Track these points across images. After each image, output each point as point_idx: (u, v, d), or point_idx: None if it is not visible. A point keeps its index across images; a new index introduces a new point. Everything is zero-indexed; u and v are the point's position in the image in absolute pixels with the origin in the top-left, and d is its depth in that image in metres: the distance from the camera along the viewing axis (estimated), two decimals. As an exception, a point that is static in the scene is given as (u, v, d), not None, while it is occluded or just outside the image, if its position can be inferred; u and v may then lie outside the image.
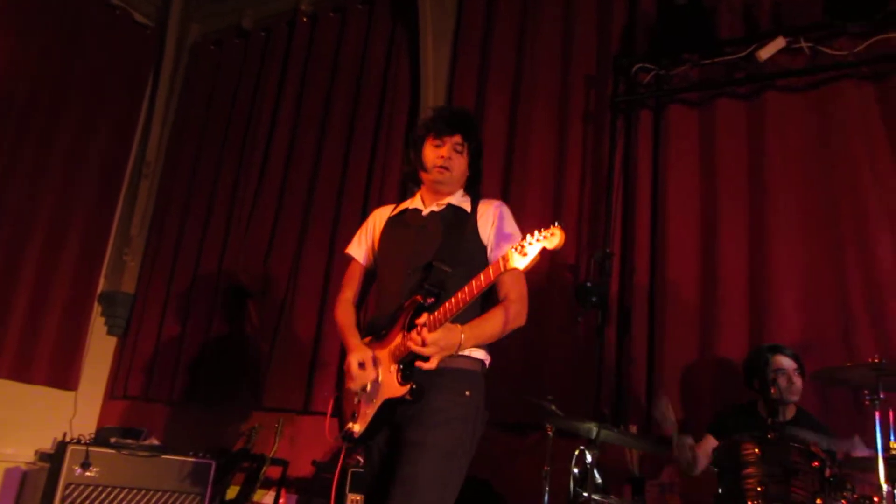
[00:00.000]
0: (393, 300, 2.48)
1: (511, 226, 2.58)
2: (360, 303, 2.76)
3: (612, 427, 3.55)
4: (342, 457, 2.96)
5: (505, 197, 4.66)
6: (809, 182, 3.88)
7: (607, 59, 4.59)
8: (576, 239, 4.37)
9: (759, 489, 2.63)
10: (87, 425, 5.63)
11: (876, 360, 2.78)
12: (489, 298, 2.49)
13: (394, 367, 2.37)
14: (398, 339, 2.38)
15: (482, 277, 2.21)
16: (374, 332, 2.52)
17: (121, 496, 4.25)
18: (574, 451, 3.45)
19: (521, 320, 2.51)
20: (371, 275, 2.76)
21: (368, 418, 2.40)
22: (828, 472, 2.70)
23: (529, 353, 4.27)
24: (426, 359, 2.28)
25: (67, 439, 4.29)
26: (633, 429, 3.85)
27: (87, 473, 4.14)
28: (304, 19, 6.03)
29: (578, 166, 4.51)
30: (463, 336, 2.30)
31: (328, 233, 5.27)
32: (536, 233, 2.12)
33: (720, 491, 2.78)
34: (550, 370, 4.18)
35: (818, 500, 2.62)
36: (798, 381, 3.28)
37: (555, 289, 4.33)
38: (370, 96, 5.46)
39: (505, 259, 2.15)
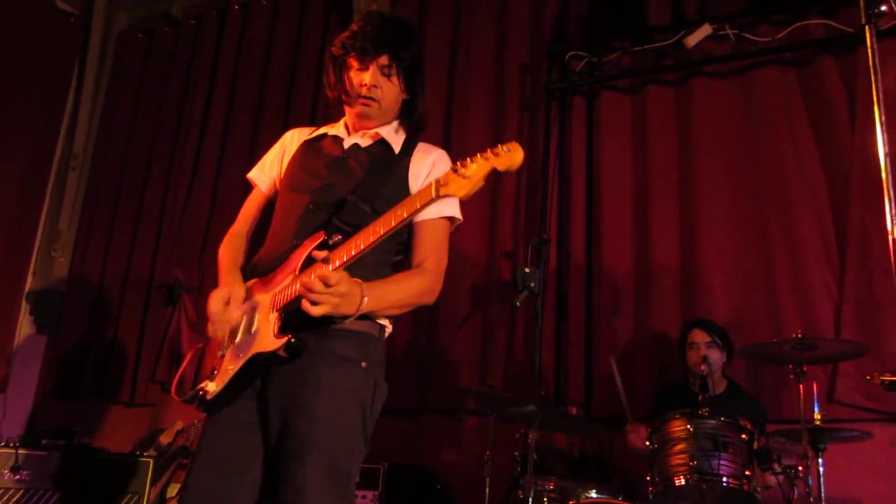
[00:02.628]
0: (285, 239, 2.00)
1: None
2: (258, 240, 2.26)
3: (552, 409, 3.62)
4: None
5: (443, 185, 4.67)
6: (736, 165, 4.01)
7: (541, 47, 4.64)
8: (513, 226, 4.42)
9: (690, 464, 2.71)
10: (17, 427, 5.44)
11: (799, 336, 2.90)
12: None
13: (273, 315, 1.87)
14: (286, 282, 1.88)
15: (404, 208, 1.72)
16: (260, 273, 2.03)
17: (54, 499, 4.13)
18: (515, 435, 3.50)
19: (432, 297, 2.01)
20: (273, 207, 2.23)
21: (229, 376, 1.88)
22: (756, 445, 2.80)
23: (468, 339, 4.30)
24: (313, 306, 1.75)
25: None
26: (573, 410, 3.93)
27: (17, 477, 4.01)
28: (236, 7, 5.91)
29: (515, 153, 4.55)
30: (365, 297, 1.78)
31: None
32: (483, 153, 1.67)
33: (654, 468, 2.86)
34: (490, 356, 4.22)
35: (746, 472, 2.72)
36: (711, 354, 3.35)
37: (493, 275, 4.38)
38: (305, 85, 5.39)
39: (440, 183, 1.67)
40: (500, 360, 4.20)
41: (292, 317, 1.83)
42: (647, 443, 2.91)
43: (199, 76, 5.91)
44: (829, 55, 3.90)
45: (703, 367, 3.05)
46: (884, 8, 1.92)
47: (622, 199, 4.20)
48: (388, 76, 2.08)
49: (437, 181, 1.67)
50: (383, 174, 2.04)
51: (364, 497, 3.73)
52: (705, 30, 4.09)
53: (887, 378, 1.62)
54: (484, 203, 4.51)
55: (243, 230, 2.27)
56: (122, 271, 5.66)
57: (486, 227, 4.47)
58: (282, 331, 1.82)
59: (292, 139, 2.28)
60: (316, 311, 1.72)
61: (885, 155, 1.88)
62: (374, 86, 2.06)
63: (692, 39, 4.09)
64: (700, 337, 3.40)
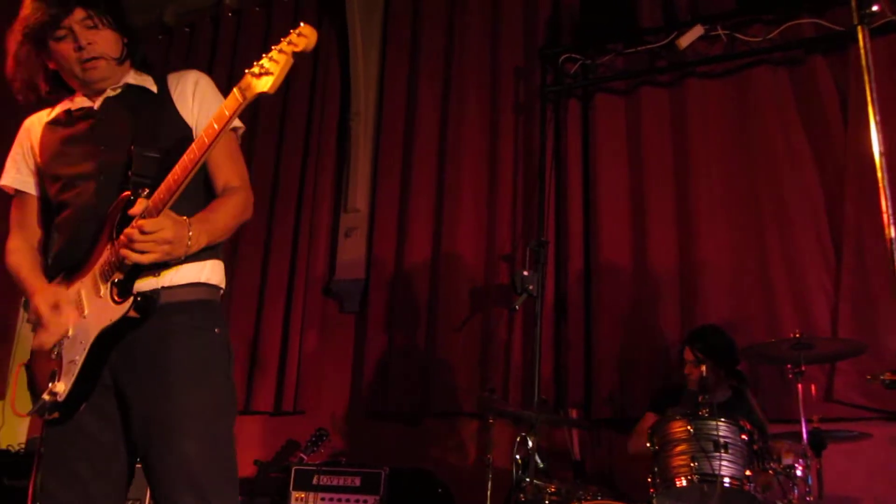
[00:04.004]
0: (87, 222, 1.85)
1: (218, 96, 2.00)
2: (47, 246, 2.04)
3: (552, 412, 3.63)
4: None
5: (439, 190, 4.70)
6: (730, 165, 4.02)
7: (534, 51, 4.66)
8: (510, 228, 4.44)
9: (691, 465, 2.72)
10: (18, 434, 5.41)
11: (796, 335, 2.91)
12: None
13: (105, 288, 1.75)
14: (105, 255, 1.77)
15: (214, 122, 1.67)
16: (68, 267, 1.87)
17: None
18: (516, 438, 3.51)
19: (250, 212, 1.97)
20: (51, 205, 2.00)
21: (77, 367, 1.75)
22: (755, 446, 2.81)
23: (469, 342, 4.31)
24: (146, 266, 1.71)
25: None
26: (573, 413, 3.94)
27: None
28: (230, 14, 5.91)
29: (511, 157, 4.57)
30: (192, 231, 1.72)
31: (262, 233, 5.19)
32: (276, 46, 1.64)
33: (655, 469, 2.87)
34: (489, 359, 4.23)
35: (747, 472, 2.73)
36: (696, 372, 3.30)
37: (491, 278, 4.39)
38: (300, 93, 5.39)
39: (242, 87, 1.64)
40: (500, 363, 4.21)
41: (126, 283, 1.74)
42: (647, 444, 2.92)
43: (193, 84, 5.89)
44: (820, 54, 3.92)
45: (703, 375, 3.05)
46: (875, 8, 1.93)
47: (619, 200, 4.21)
48: (95, 27, 1.90)
49: (239, 87, 1.64)
50: (153, 114, 1.92)
51: (366, 502, 3.74)
52: (697, 31, 4.11)
53: (888, 377, 1.63)
54: (481, 206, 4.53)
55: (27, 243, 2.03)
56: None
57: (483, 231, 4.49)
58: (122, 293, 1.73)
59: (32, 126, 2.08)
60: (146, 258, 1.67)
61: (881, 154, 1.89)
62: (89, 43, 1.88)
63: (684, 40, 4.11)
64: (687, 355, 3.40)
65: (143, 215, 1.68)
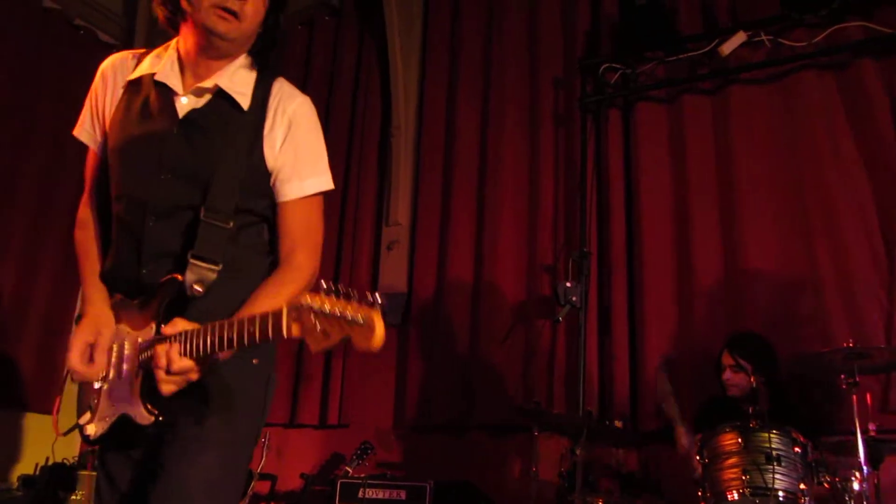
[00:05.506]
0: (131, 259, 1.73)
1: (317, 145, 1.85)
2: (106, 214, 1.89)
3: (598, 425, 3.59)
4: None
5: (480, 202, 4.70)
6: (776, 172, 3.95)
7: (574, 61, 4.65)
8: (552, 240, 4.42)
9: (743, 478, 2.68)
10: (69, 449, 5.54)
11: (850, 345, 2.84)
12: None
13: (139, 375, 1.68)
14: (149, 330, 1.68)
15: (246, 333, 1.46)
16: (121, 288, 1.78)
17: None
18: (561, 451, 3.49)
19: (314, 278, 1.75)
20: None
21: (107, 424, 1.72)
22: (809, 457, 2.75)
23: (512, 354, 4.30)
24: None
25: (50, 463, 4.23)
26: (619, 425, 3.89)
27: (73, 497, 4.09)
28: (273, 31, 6.02)
29: (551, 168, 4.56)
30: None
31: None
32: (347, 307, 1.33)
33: (706, 483, 2.82)
34: (533, 371, 4.21)
35: (801, 486, 2.67)
36: (735, 378, 3.27)
37: (534, 290, 4.37)
38: (341, 108, 5.46)
39: (292, 318, 1.39)
40: (544, 375, 4.18)
41: (155, 398, 1.65)
42: (697, 457, 2.87)
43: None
44: (868, 57, 3.83)
45: (753, 386, 2.99)
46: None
47: (662, 209, 4.17)
48: None
49: (290, 316, 1.39)
50: (236, 158, 1.70)
51: (412, 515, 3.76)
52: (740, 37, 4.05)
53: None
54: (522, 217, 4.53)
55: (91, 213, 1.93)
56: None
57: (525, 242, 4.48)
58: (147, 394, 1.66)
59: (115, 75, 1.88)
60: (164, 389, 1.58)
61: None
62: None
63: (727, 47, 4.05)
64: (726, 360, 3.34)
65: (176, 339, 1.56)
